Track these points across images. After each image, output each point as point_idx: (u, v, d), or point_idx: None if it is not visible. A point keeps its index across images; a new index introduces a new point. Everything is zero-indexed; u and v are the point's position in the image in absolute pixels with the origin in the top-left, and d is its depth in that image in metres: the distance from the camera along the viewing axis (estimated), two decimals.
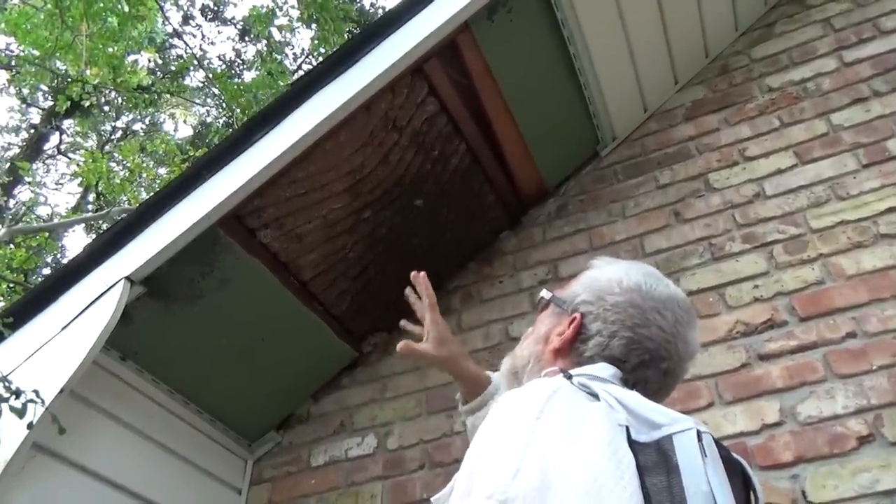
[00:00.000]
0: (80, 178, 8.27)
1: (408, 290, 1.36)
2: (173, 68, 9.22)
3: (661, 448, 0.67)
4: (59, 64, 6.77)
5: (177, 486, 2.12)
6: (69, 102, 7.23)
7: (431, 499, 0.87)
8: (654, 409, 0.73)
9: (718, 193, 2.31)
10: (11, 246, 7.60)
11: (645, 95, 2.61)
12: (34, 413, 1.58)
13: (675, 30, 2.54)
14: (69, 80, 7.15)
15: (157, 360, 2.10)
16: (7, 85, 10.22)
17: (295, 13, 8.82)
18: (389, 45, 1.98)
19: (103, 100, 9.94)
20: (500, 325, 2.37)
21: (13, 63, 8.08)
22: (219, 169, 1.96)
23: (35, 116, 10.94)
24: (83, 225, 9.47)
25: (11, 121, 11.31)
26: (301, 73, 8.95)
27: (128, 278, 1.85)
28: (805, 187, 2.17)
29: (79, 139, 10.91)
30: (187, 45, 9.06)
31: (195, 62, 8.38)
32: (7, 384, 1.59)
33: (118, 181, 8.47)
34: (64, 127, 10.55)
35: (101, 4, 6.23)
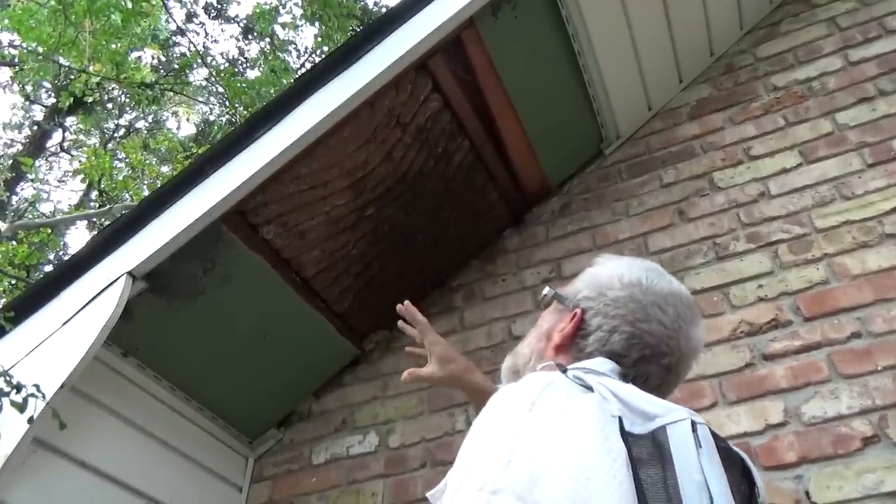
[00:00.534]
0: (82, 175, 8.26)
1: (400, 323, 1.35)
2: (177, 66, 9.21)
3: (655, 439, 0.67)
4: (62, 60, 6.77)
5: (177, 482, 2.11)
6: (72, 99, 7.23)
7: (427, 494, 0.87)
8: (649, 400, 0.72)
9: (723, 192, 2.30)
10: (13, 242, 7.61)
11: (649, 94, 2.60)
12: (35, 408, 1.58)
13: (680, 28, 2.53)
14: (72, 76, 7.16)
15: (159, 357, 2.09)
16: (10, 82, 10.24)
17: (298, 11, 8.81)
18: (393, 42, 1.97)
19: (106, 97, 9.95)
20: (502, 323, 2.37)
21: (17, 59, 8.09)
22: (221, 164, 1.96)
23: (38, 113, 10.95)
24: (85, 222, 9.48)
25: (14, 117, 11.32)
26: (304, 70, 8.95)
27: (130, 274, 1.84)
28: (810, 187, 2.16)
29: (82, 136, 10.91)
30: (191, 41, 9.07)
31: (199, 59, 8.38)
32: (8, 379, 1.59)
33: (121, 178, 8.47)
34: (67, 124, 10.56)
35: (105, 1, 6.23)
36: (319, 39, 9.13)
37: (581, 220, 2.50)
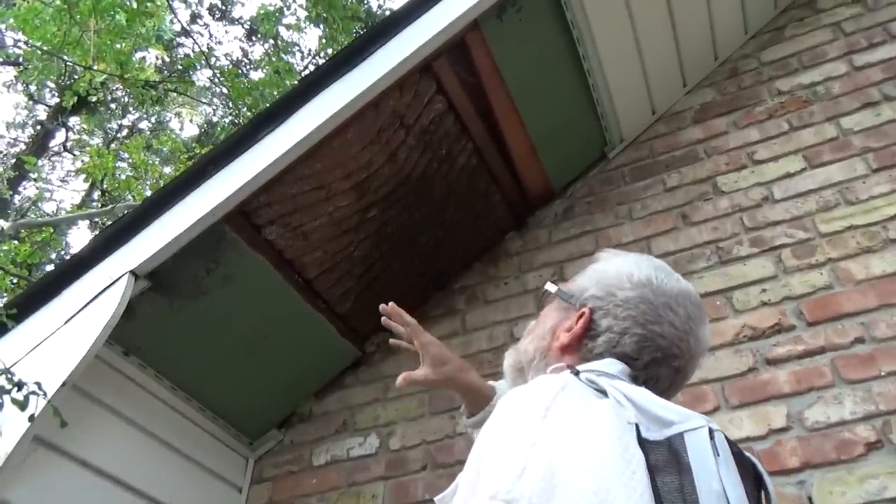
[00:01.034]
0: (85, 175, 8.28)
1: (384, 320, 1.31)
2: (180, 67, 9.23)
3: (671, 446, 0.66)
4: (66, 59, 6.79)
5: (177, 483, 2.11)
6: (76, 98, 7.24)
7: (435, 499, 0.85)
8: (665, 405, 0.71)
9: (726, 197, 2.29)
10: (16, 241, 7.62)
11: (653, 97, 2.60)
12: (36, 406, 1.58)
13: (685, 32, 2.52)
14: (76, 76, 7.17)
15: (160, 356, 2.09)
16: (14, 81, 10.26)
17: (303, 13, 8.83)
18: (398, 43, 1.97)
19: (110, 97, 9.97)
20: (504, 326, 2.36)
21: (21, 59, 8.11)
22: (225, 164, 1.96)
23: (42, 113, 10.97)
24: (87, 221, 9.50)
25: (18, 117, 11.35)
26: (309, 71, 8.96)
27: (132, 273, 1.84)
28: (814, 191, 2.16)
29: (85, 136, 10.93)
30: (195, 42, 9.08)
31: (203, 60, 8.39)
32: (9, 376, 1.58)
33: (123, 178, 8.48)
34: (70, 124, 10.59)
35: (110, 0, 6.24)
36: (324, 41, 9.14)
37: (584, 224, 2.49)
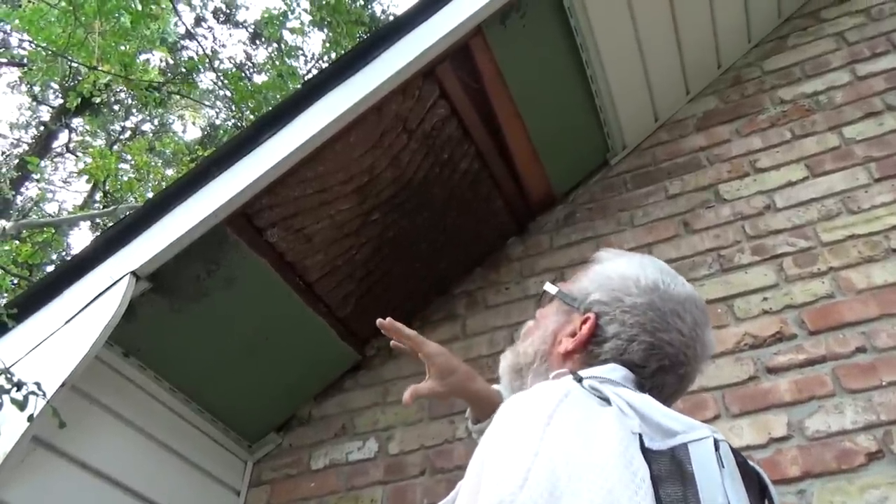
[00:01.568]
0: (87, 176, 8.29)
1: (392, 343, 1.23)
2: (184, 69, 9.25)
3: (675, 457, 0.64)
4: (70, 60, 6.81)
5: (175, 485, 2.10)
6: (80, 99, 7.27)
7: None
8: (668, 414, 0.70)
9: (728, 205, 2.29)
10: (18, 241, 7.62)
11: (656, 105, 2.60)
12: (35, 406, 1.58)
13: (688, 40, 2.53)
14: (80, 77, 7.19)
15: (160, 358, 2.09)
16: (18, 82, 10.29)
17: (307, 17, 8.86)
18: (402, 47, 1.98)
19: (113, 99, 10.00)
20: (505, 331, 2.36)
21: (25, 59, 8.14)
22: (228, 166, 1.96)
23: (45, 114, 11.00)
24: (89, 222, 9.51)
25: (22, 117, 11.37)
26: (312, 75, 8.96)
27: (133, 273, 1.84)
28: (816, 200, 2.16)
29: (88, 138, 10.96)
30: (199, 44, 9.11)
31: (206, 62, 8.41)
32: (9, 376, 1.58)
33: (126, 179, 8.49)
34: (73, 125, 10.61)
35: (115, 2, 6.27)
36: (327, 45, 9.16)
37: (585, 230, 2.49)
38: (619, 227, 2.43)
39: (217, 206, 1.89)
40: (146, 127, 11.75)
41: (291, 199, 2.06)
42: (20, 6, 7.17)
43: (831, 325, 1.88)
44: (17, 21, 6.74)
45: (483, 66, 2.12)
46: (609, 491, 0.58)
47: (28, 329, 1.85)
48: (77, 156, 10.68)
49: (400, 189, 2.24)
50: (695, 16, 2.50)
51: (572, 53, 2.28)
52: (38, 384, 1.59)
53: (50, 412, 1.60)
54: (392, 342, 1.23)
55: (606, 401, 0.70)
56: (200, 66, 8.71)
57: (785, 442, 1.73)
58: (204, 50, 8.84)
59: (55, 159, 11.04)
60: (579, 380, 0.74)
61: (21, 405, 1.56)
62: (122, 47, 6.96)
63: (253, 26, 10.97)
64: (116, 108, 10.96)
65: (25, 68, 8.40)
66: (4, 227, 7.07)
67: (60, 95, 9.86)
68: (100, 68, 6.71)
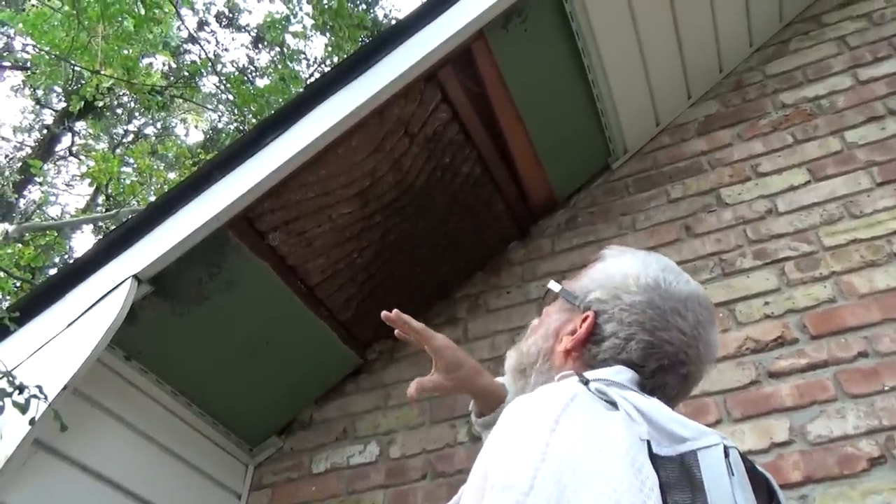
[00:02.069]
0: (90, 179, 8.31)
1: (397, 332, 1.24)
2: (187, 73, 9.28)
3: (684, 463, 0.63)
4: (74, 64, 6.83)
5: (176, 488, 2.10)
6: (83, 103, 7.29)
7: None
8: (677, 420, 0.69)
9: (730, 209, 2.29)
10: (20, 244, 7.64)
11: (658, 109, 2.60)
12: (37, 409, 1.58)
13: (690, 44, 2.53)
14: (83, 81, 7.21)
15: (162, 361, 2.09)
16: (22, 85, 10.32)
17: (309, 21, 8.87)
18: (404, 51, 1.98)
19: (116, 102, 10.02)
20: (506, 335, 2.36)
21: (29, 63, 8.17)
22: (230, 170, 1.96)
23: (48, 117, 11.03)
24: (91, 226, 9.52)
25: (25, 121, 11.41)
26: (314, 79, 8.98)
27: (135, 277, 1.84)
28: (818, 204, 2.16)
29: (90, 141, 10.98)
30: (202, 48, 9.13)
31: (209, 66, 8.43)
32: (11, 379, 1.58)
33: (128, 183, 8.51)
34: (76, 128, 10.63)
35: (118, 6, 6.29)
36: (330, 49, 9.18)
37: (587, 234, 2.49)
38: (621, 231, 2.43)
39: (219, 209, 1.89)
40: (149, 130, 11.78)
41: (293, 203, 2.06)
42: (24, 10, 7.20)
43: (833, 329, 1.87)
44: (20, 25, 6.76)
45: (485, 70, 2.12)
46: (617, 501, 0.57)
47: (30, 332, 1.85)
48: (80, 159, 10.71)
49: (401, 193, 2.24)
50: (696, 20, 2.50)
51: (574, 57, 2.29)
52: (39, 387, 1.59)
53: (52, 415, 1.60)
54: (397, 331, 1.22)
55: (613, 405, 0.68)
56: (203, 70, 8.74)
57: (787, 447, 1.72)
58: (206, 54, 8.86)
59: (58, 162, 11.07)
60: (585, 382, 0.73)
61: (23, 408, 1.56)
62: (125, 51, 6.98)
63: (255, 30, 11.01)
64: (119, 111, 10.99)
65: (29, 72, 8.43)
66: (7, 230, 7.08)
67: (63, 99, 9.88)
68: (103, 72, 6.73)
